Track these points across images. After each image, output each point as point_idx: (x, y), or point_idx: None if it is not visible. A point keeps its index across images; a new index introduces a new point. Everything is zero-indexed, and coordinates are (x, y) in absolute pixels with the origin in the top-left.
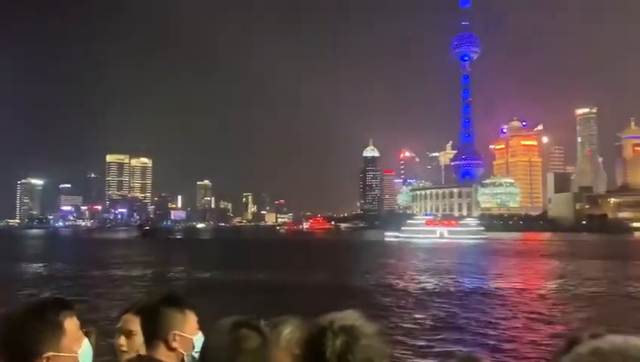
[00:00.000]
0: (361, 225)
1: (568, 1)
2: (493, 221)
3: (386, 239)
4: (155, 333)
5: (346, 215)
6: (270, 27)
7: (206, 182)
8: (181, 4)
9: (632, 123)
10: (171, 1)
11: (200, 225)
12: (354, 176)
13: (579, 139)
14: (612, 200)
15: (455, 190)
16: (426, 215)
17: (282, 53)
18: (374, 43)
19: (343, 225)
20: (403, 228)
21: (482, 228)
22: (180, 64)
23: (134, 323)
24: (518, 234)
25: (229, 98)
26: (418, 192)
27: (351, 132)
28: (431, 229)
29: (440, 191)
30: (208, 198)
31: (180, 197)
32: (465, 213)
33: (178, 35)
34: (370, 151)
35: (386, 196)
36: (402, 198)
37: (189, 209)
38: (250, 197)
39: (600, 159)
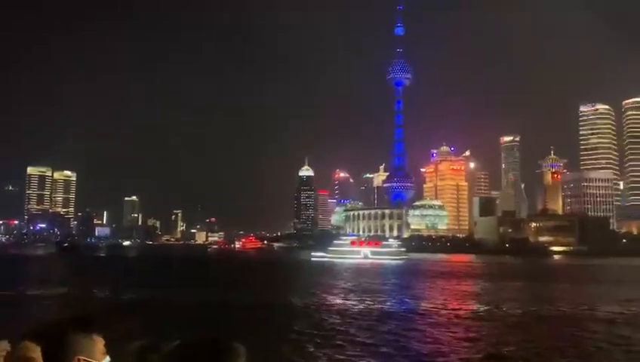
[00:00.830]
0: (295, 244)
1: (496, 38)
2: (422, 242)
3: (313, 259)
4: (57, 360)
5: (279, 234)
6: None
7: (134, 198)
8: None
9: (552, 152)
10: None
11: (126, 243)
12: (289, 195)
13: (503, 166)
14: (533, 224)
15: (387, 211)
16: (351, 235)
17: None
18: (312, 64)
19: (276, 245)
20: (329, 248)
21: (404, 249)
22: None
23: (34, 350)
24: (445, 256)
25: (162, 111)
26: (351, 213)
27: (287, 151)
28: (355, 250)
29: (372, 212)
30: (136, 215)
31: (105, 213)
32: (395, 233)
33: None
34: (306, 171)
35: (320, 216)
36: (336, 218)
37: (114, 225)
38: (179, 215)
39: (522, 185)
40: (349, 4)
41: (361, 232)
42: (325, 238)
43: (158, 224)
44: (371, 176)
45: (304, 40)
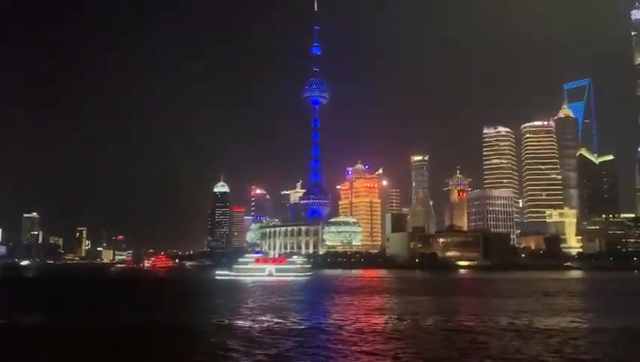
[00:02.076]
0: (208, 263)
1: (408, 61)
2: (337, 258)
3: (217, 278)
4: None
5: (192, 252)
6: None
7: (34, 214)
8: None
9: (458, 171)
10: None
11: (24, 262)
12: (203, 212)
13: (413, 184)
14: (441, 240)
15: (303, 228)
16: (256, 253)
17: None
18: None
19: (188, 263)
20: (234, 266)
21: (309, 266)
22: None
23: None
24: (359, 271)
25: (69, 122)
26: (267, 230)
27: (202, 167)
28: (260, 267)
29: (289, 228)
30: (35, 232)
31: (0, 231)
32: (311, 250)
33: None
34: (221, 187)
35: (236, 233)
36: (251, 235)
37: (11, 244)
38: (84, 232)
39: (431, 202)
40: (268, 17)
41: (277, 249)
42: (240, 256)
43: (60, 242)
44: (288, 192)
45: (223, 52)
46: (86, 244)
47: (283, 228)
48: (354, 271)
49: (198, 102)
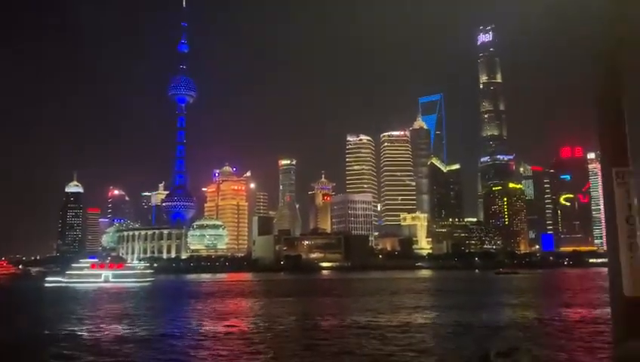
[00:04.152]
0: (57, 268)
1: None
2: (201, 262)
3: (47, 285)
4: None
5: (38, 257)
6: None
7: None
8: None
9: (323, 176)
10: None
11: None
12: (53, 214)
13: (281, 187)
14: (305, 242)
15: (165, 231)
16: (91, 258)
17: None
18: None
19: (33, 270)
20: (67, 272)
21: (151, 271)
22: None
23: None
24: (223, 275)
25: None
26: (125, 233)
27: (53, 164)
28: (96, 273)
29: (149, 232)
30: None
31: None
32: (174, 254)
33: None
34: (74, 187)
35: (90, 237)
36: (107, 239)
37: None
38: None
39: (297, 205)
40: (134, 12)
41: (135, 254)
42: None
43: None
44: (149, 194)
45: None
46: None
47: (143, 232)
48: (218, 276)
49: (47, 95)
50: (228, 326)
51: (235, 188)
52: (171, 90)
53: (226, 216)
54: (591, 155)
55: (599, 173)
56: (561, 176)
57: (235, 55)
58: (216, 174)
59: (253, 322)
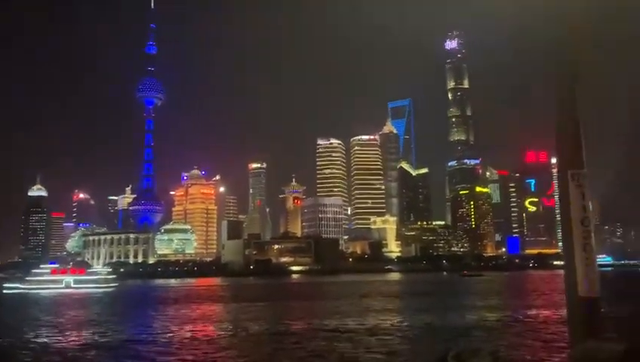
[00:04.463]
0: (19, 274)
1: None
2: (169, 267)
3: (6, 291)
4: None
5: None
6: None
7: None
8: None
9: (294, 179)
10: None
11: None
12: (14, 218)
13: (251, 191)
14: (275, 246)
15: (132, 236)
16: (52, 263)
17: None
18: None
19: None
20: (27, 278)
21: (114, 276)
22: None
23: None
24: (191, 280)
25: None
26: (91, 238)
27: (13, 167)
28: (57, 279)
29: (116, 236)
30: None
31: None
32: (140, 259)
33: None
34: (37, 191)
35: (53, 241)
36: (72, 244)
37: None
38: None
39: (267, 209)
40: (100, 13)
41: (101, 259)
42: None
43: None
44: (116, 198)
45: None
46: None
47: (109, 236)
48: (187, 280)
49: (5, 94)
50: (195, 331)
51: (204, 191)
52: (139, 92)
53: (195, 220)
54: (555, 160)
55: None
56: (526, 180)
57: (205, 57)
58: (185, 177)
59: (221, 327)
